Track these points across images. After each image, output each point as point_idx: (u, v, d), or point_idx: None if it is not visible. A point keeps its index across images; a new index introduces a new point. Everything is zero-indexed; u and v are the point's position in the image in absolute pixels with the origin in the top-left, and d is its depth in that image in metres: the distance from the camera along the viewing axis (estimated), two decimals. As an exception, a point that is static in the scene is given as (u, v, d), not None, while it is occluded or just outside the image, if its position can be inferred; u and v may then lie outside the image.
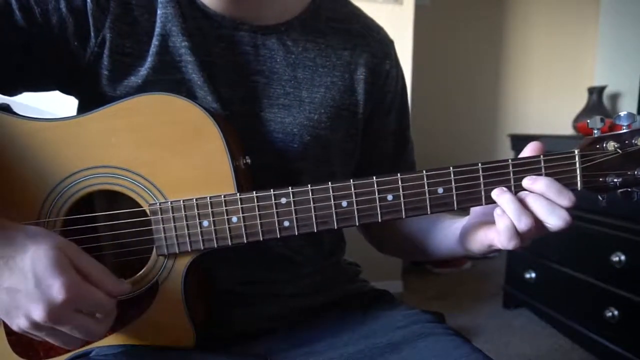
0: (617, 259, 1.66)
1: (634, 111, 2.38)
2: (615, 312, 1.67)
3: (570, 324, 1.91)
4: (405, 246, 0.82)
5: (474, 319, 2.20)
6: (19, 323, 0.51)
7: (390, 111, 0.80)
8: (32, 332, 0.52)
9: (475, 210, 0.65)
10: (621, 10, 2.80)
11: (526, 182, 0.57)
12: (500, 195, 0.57)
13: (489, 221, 0.60)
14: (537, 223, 0.56)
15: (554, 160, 0.58)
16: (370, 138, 0.79)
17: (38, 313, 0.49)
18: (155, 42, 0.65)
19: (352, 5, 0.80)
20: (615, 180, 0.58)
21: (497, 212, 0.57)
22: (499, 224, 0.56)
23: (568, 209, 0.56)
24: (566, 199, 0.55)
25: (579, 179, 0.58)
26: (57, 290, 0.49)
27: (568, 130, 2.73)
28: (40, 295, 0.49)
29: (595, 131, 0.59)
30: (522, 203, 0.56)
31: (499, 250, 0.61)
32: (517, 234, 0.56)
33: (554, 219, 0.55)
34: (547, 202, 0.56)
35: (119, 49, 0.64)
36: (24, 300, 0.49)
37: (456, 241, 0.67)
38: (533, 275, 2.11)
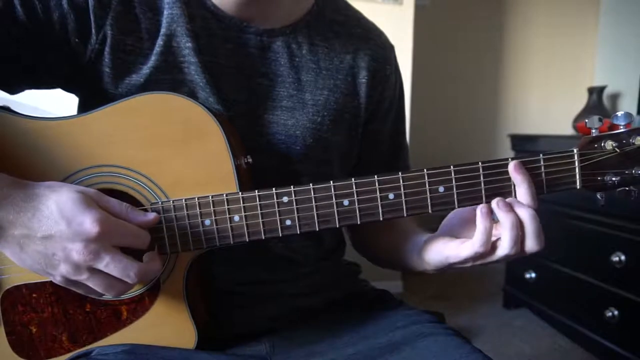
0: (617, 259, 1.66)
1: (634, 111, 2.39)
2: (615, 312, 1.67)
3: (570, 324, 1.91)
4: (381, 253, 0.82)
5: (474, 319, 2.20)
6: (61, 270, 0.51)
7: (387, 116, 0.81)
8: (73, 278, 0.52)
9: (444, 226, 0.66)
10: (621, 10, 2.80)
11: (510, 166, 0.58)
12: (507, 213, 0.57)
13: (453, 236, 0.62)
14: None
15: (553, 159, 0.59)
16: (366, 141, 0.80)
17: (76, 251, 0.50)
18: (159, 41, 0.65)
19: (353, 9, 0.80)
20: (614, 179, 0.59)
21: (481, 211, 0.57)
22: (480, 224, 0.57)
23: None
24: (534, 203, 0.58)
25: (578, 177, 0.59)
26: (89, 224, 0.50)
27: (568, 130, 2.73)
28: (74, 233, 0.50)
29: (594, 130, 0.60)
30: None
31: (450, 267, 0.62)
32: (489, 242, 0.57)
33: (537, 242, 0.57)
34: (538, 223, 0.57)
35: (120, 47, 0.64)
36: (60, 242, 0.50)
37: (418, 252, 0.68)
38: (533, 275, 2.11)
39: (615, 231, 1.70)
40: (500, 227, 0.57)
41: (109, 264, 0.51)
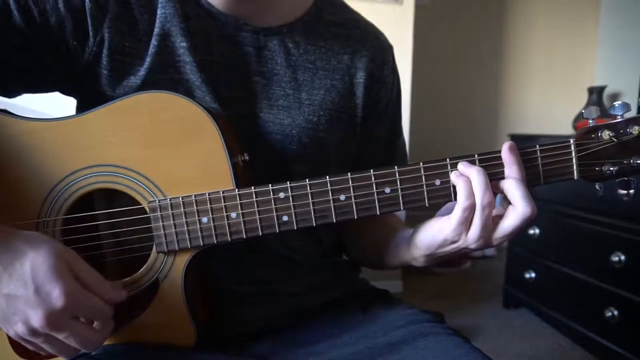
0: (617, 259, 1.66)
1: (634, 112, 2.39)
2: (615, 312, 1.66)
3: (570, 324, 1.91)
4: (368, 251, 0.81)
5: (474, 319, 2.20)
6: (16, 329, 0.51)
7: (382, 117, 0.80)
8: (28, 338, 0.52)
9: (440, 213, 0.65)
10: (621, 10, 2.81)
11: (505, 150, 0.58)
12: (468, 167, 0.57)
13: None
14: (498, 218, 0.57)
15: (550, 150, 0.59)
16: (362, 141, 0.79)
17: (36, 319, 0.49)
18: (154, 42, 0.65)
19: (352, 11, 0.80)
20: (612, 169, 0.58)
21: (453, 175, 0.57)
22: (458, 184, 0.56)
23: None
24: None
25: (575, 168, 0.59)
26: (56, 296, 0.49)
27: (568, 130, 2.74)
28: (39, 301, 0.49)
29: (590, 121, 0.59)
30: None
31: (440, 245, 0.60)
32: (472, 200, 0.56)
33: (524, 204, 0.55)
34: (524, 189, 0.56)
35: (118, 49, 0.64)
36: (23, 306, 0.49)
37: (406, 239, 0.67)
38: (533, 275, 2.11)
39: (615, 231, 1.69)
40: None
41: (68, 337, 0.51)
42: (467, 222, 0.57)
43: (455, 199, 0.58)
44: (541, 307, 2.09)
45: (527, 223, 0.57)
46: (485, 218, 0.56)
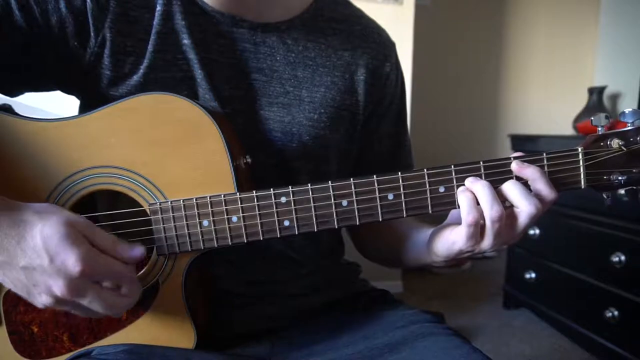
0: (617, 259, 1.66)
1: None
2: (615, 312, 1.66)
3: (570, 324, 1.91)
4: (384, 252, 0.82)
5: (474, 319, 2.20)
6: (42, 300, 0.51)
7: (387, 113, 0.80)
8: (57, 306, 0.52)
9: (452, 216, 0.65)
10: (621, 10, 2.80)
11: (515, 166, 0.57)
12: (473, 182, 0.57)
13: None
14: (508, 219, 0.56)
15: (557, 159, 0.58)
16: (367, 139, 0.79)
17: (58, 288, 0.49)
18: (156, 40, 0.64)
19: (354, 7, 0.80)
20: (620, 178, 0.57)
21: (458, 191, 0.57)
22: (460, 200, 0.56)
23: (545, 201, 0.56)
24: (553, 193, 0.56)
25: (582, 177, 0.58)
26: (72, 263, 0.49)
27: (568, 130, 2.73)
28: (56, 270, 0.49)
29: (600, 128, 0.58)
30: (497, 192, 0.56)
31: (459, 253, 0.60)
32: (474, 215, 0.55)
33: (526, 203, 0.55)
34: (521, 187, 0.56)
35: (120, 49, 0.64)
36: (42, 277, 0.49)
37: (425, 244, 0.67)
38: (533, 275, 2.11)
39: (615, 231, 1.69)
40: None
41: (91, 302, 0.51)
42: (476, 235, 0.57)
43: (460, 206, 0.57)
44: (541, 307, 2.09)
45: (535, 219, 0.56)
46: (497, 230, 0.56)
